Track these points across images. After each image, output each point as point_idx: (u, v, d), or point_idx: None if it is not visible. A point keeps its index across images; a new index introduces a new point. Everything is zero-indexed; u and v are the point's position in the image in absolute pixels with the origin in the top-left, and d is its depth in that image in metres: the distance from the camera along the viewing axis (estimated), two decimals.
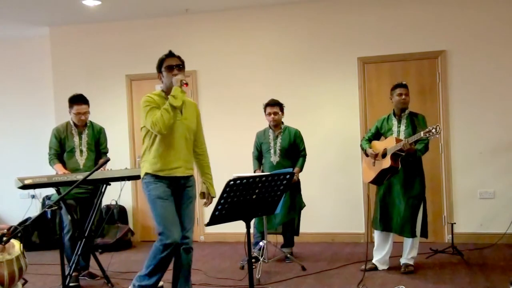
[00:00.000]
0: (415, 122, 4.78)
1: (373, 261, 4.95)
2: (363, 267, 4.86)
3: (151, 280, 3.76)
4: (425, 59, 6.07)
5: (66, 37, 7.07)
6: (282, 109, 5.44)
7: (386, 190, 4.84)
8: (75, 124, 4.93)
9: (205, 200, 4.03)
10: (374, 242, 4.99)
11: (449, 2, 6.00)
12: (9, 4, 5.99)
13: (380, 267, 4.92)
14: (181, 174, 3.77)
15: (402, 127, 4.81)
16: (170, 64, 3.75)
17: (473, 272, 4.75)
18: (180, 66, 3.78)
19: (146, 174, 3.75)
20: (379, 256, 4.92)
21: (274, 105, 5.38)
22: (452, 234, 5.33)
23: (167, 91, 3.79)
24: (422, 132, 4.41)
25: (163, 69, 3.77)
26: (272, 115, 5.38)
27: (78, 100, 4.85)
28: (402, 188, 4.73)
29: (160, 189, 3.71)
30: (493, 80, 5.90)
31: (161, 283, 4.56)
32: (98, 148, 5.02)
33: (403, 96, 4.80)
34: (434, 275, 4.71)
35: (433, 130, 4.32)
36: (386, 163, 4.65)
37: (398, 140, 4.60)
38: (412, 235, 4.72)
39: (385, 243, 4.90)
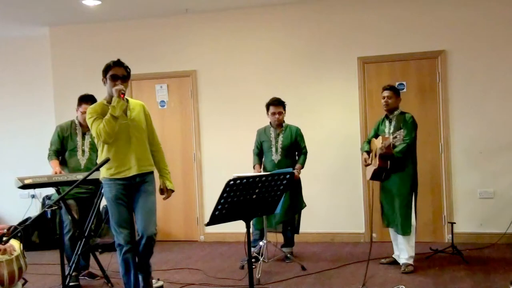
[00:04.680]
0: (401, 121, 4.86)
1: (393, 255, 5.08)
2: (383, 260, 5.06)
3: (129, 283, 3.96)
4: (425, 59, 6.07)
5: (66, 37, 7.07)
6: (284, 108, 5.43)
7: (381, 189, 5.00)
8: (80, 124, 4.92)
9: (164, 195, 4.11)
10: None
11: (449, 2, 5.99)
12: (9, 4, 5.99)
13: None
14: (135, 173, 3.86)
15: (392, 128, 4.88)
16: (115, 74, 3.83)
17: (473, 272, 4.75)
18: (125, 77, 3.87)
19: (103, 177, 3.91)
20: (397, 251, 5.04)
21: (278, 104, 5.35)
22: (452, 233, 5.33)
23: (109, 98, 3.89)
24: (391, 138, 4.55)
25: (108, 76, 3.85)
26: (277, 115, 5.34)
27: (88, 99, 4.82)
28: (392, 187, 4.84)
29: (113, 192, 3.86)
30: (493, 80, 5.90)
31: (160, 283, 4.58)
32: None
33: (385, 99, 4.90)
34: (434, 275, 4.71)
35: (398, 136, 4.44)
36: (375, 163, 4.78)
37: (384, 139, 4.68)
38: (404, 232, 4.79)
39: (395, 238, 5.02)
